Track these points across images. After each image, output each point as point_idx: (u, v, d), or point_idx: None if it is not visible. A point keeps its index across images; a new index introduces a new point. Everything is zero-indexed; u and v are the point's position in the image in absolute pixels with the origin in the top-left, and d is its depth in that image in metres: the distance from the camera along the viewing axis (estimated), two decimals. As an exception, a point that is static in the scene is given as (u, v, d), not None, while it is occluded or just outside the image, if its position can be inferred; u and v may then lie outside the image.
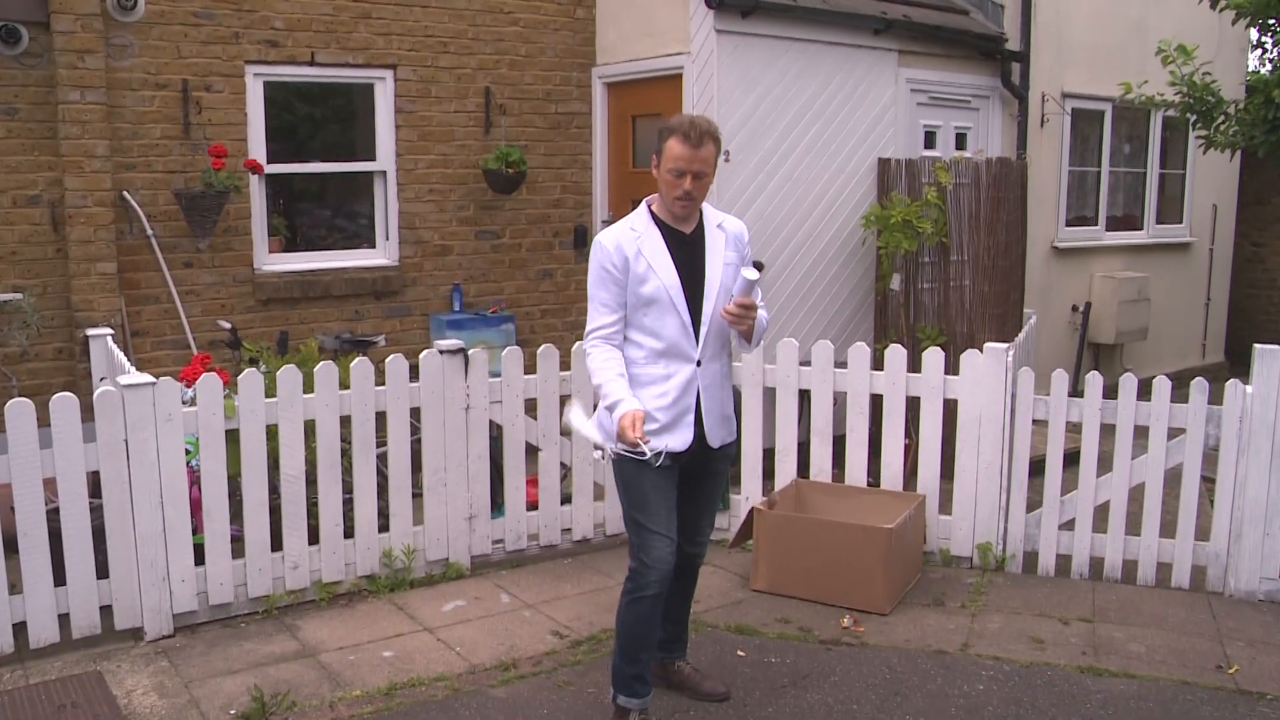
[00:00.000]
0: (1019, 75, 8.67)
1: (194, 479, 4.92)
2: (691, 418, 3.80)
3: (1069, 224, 9.65)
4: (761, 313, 3.81)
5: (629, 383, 3.74)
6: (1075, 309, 9.69)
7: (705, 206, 3.88)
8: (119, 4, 6.11)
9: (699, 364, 3.80)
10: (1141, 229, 10.39)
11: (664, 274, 3.73)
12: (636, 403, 3.63)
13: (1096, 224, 9.94)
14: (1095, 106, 9.62)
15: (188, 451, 4.81)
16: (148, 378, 4.62)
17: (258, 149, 6.74)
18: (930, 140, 8.20)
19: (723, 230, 3.88)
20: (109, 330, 6.04)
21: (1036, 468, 5.69)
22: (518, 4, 7.49)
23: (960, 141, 8.43)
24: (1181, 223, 10.76)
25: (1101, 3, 9.45)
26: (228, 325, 6.30)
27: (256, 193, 6.78)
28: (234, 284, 6.73)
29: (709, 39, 6.77)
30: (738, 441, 4.38)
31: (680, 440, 3.77)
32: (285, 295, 6.86)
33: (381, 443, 5.30)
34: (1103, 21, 9.47)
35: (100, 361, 5.88)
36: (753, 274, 3.67)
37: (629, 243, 3.74)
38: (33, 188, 6.09)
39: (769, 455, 5.92)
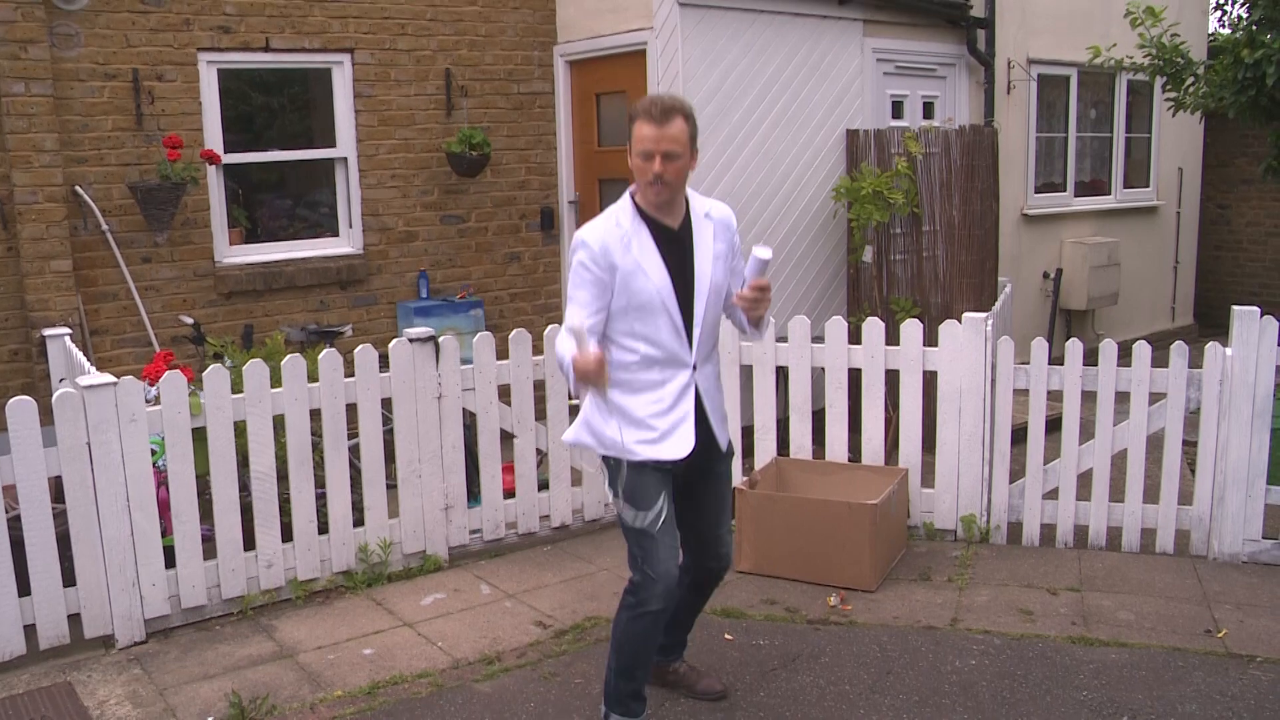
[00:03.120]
0: (984, 42, 8.61)
1: (161, 480, 4.79)
2: (690, 424, 3.53)
3: (1038, 191, 9.62)
4: None
5: (619, 388, 3.52)
6: (1046, 276, 9.67)
7: (690, 194, 3.63)
8: (62, -8, 5.92)
9: (694, 368, 3.57)
10: (1109, 194, 10.39)
11: (655, 275, 3.46)
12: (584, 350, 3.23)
13: (1065, 190, 9.92)
14: (1061, 72, 9.58)
15: (153, 452, 4.67)
16: (109, 377, 4.47)
17: (214, 139, 6.57)
18: (898, 110, 8.13)
19: (710, 220, 3.62)
20: (67, 330, 5.87)
21: (1018, 437, 5.65)
22: (476, -18, 7.36)
23: (928, 111, 8.37)
24: (1148, 186, 10.77)
25: (1064, -33, 9.41)
26: (190, 321, 6.15)
27: (214, 184, 6.61)
28: (195, 278, 6.56)
29: (672, 13, 6.64)
30: None
31: (678, 449, 3.51)
32: (248, 288, 6.70)
33: (353, 435, 5.18)
34: (1065, -14, 9.43)
35: (59, 362, 5.72)
36: (765, 252, 3.37)
37: (616, 241, 3.45)
38: (-20, 185, 5.91)
39: (748, 434, 5.85)
